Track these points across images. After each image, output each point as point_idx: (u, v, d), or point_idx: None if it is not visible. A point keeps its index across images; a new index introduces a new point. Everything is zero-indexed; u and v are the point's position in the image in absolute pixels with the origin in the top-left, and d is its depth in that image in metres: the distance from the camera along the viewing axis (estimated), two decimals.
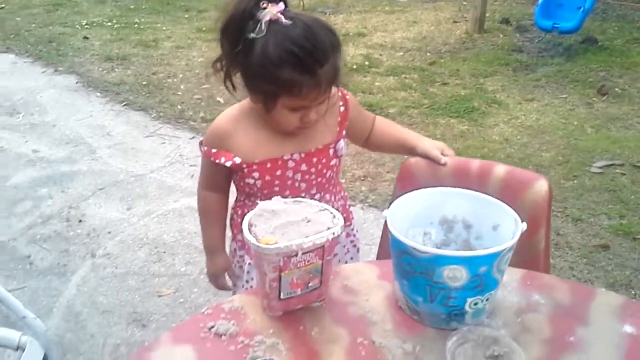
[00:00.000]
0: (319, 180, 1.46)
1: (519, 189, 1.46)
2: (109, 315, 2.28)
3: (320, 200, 1.44)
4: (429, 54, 5.26)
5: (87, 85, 4.55)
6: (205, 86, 4.53)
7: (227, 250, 1.61)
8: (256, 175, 1.40)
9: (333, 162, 1.46)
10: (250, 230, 1.12)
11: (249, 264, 1.53)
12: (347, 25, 6.12)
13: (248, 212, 1.29)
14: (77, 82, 4.62)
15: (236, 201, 1.54)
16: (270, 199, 1.33)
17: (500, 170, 1.52)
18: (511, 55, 5.19)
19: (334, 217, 1.16)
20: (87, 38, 5.53)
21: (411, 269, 1.06)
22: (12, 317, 2.21)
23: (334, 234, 1.11)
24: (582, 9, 4.92)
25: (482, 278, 1.03)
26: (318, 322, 1.12)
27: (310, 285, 1.13)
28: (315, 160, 1.42)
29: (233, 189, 1.51)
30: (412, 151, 1.57)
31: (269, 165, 1.39)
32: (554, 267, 2.62)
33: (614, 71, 4.72)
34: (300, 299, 1.14)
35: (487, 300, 1.08)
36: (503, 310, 1.14)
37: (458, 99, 4.27)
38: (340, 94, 1.47)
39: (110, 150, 3.56)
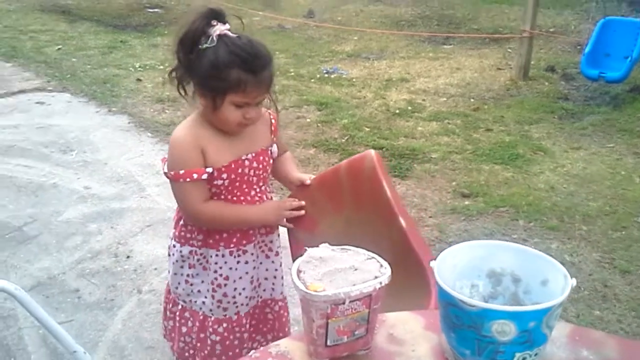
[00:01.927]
0: (264, 175, 1.76)
1: (356, 168, 1.71)
2: (153, 352, 2.32)
3: (264, 190, 1.78)
4: (472, 100, 5.28)
5: (139, 125, 4.71)
6: None
7: (175, 257, 1.77)
8: (224, 176, 1.65)
9: (271, 161, 1.79)
10: (298, 276, 1.15)
11: (215, 255, 1.72)
12: (390, 70, 6.20)
13: None
14: (129, 122, 4.79)
15: None
16: (232, 195, 1.69)
17: (345, 162, 1.78)
18: (556, 102, 5.16)
19: (381, 265, 1.17)
20: (140, 80, 5.75)
21: (459, 321, 1.06)
22: (60, 348, 2.28)
23: (381, 282, 1.12)
24: (630, 58, 4.90)
25: (531, 333, 1.03)
26: None
27: (356, 332, 1.14)
28: (261, 158, 1.73)
29: (170, 196, 1.70)
30: (290, 178, 1.87)
31: (233, 166, 1.66)
32: (601, 319, 2.56)
33: None
34: (346, 347, 1.15)
35: (535, 355, 1.07)
36: None
37: (502, 145, 4.25)
38: (271, 115, 1.80)
39: (159, 188, 3.66)
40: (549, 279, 1.14)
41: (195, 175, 1.61)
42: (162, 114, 4.97)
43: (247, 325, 1.83)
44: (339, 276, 1.14)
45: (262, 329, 1.90)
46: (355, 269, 1.16)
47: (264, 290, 1.86)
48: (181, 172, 1.60)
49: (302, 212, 1.81)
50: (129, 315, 2.56)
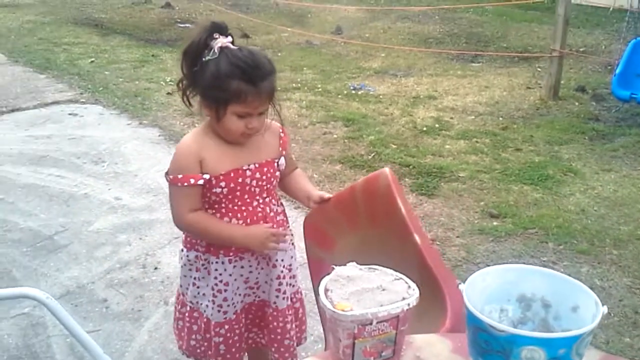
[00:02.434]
0: (268, 186, 1.77)
1: (372, 186, 1.75)
2: None
3: (268, 202, 1.78)
4: (501, 119, 5.25)
5: (169, 138, 4.78)
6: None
7: (183, 260, 1.81)
8: (223, 184, 1.68)
9: (277, 173, 1.80)
10: (326, 294, 1.15)
11: (216, 262, 1.74)
12: (418, 87, 6.20)
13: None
14: (159, 135, 4.87)
15: None
16: (233, 204, 1.71)
17: (360, 181, 1.82)
18: (587, 123, 5.10)
19: (409, 287, 1.18)
20: (170, 94, 5.84)
21: (487, 346, 1.05)
22: (87, 357, 2.31)
23: (409, 304, 1.12)
24: None
25: None
26: None
27: (383, 354, 1.14)
28: (265, 169, 1.75)
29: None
30: (309, 196, 1.86)
31: (232, 175, 1.69)
32: (631, 346, 2.50)
33: None
34: None
35: None
36: None
37: (532, 166, 4.21)
38: (281, 128, 1.82)
39: None
40: (580, 305, 1.13)
41: (192, 181, 1.65)
42: (192, 127, 5.03)
43: (244, 320, 1.87)
44: (366, 296, 1.15)
45: (259, 323, 1.92)
46: (383, 289, 1.16)
47: (263, 292, 1.87)
48: (180, 176, 1.65)
49: (287, 248, 1.80)
50: (156, 327, 2.59)
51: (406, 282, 1.18)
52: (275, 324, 1.90)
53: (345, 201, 1.82)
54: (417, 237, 1.61)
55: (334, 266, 1.23)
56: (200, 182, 1.66)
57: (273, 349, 1.90)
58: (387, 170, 1.73)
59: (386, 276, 1.20)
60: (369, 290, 1.16)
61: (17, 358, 2.41)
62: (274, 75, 1.66)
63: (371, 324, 1.10)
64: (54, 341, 2.50)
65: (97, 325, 2.60)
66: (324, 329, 1.92)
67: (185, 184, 1.66)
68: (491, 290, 1.18)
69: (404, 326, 1.13)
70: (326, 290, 1.16)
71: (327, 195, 1.84)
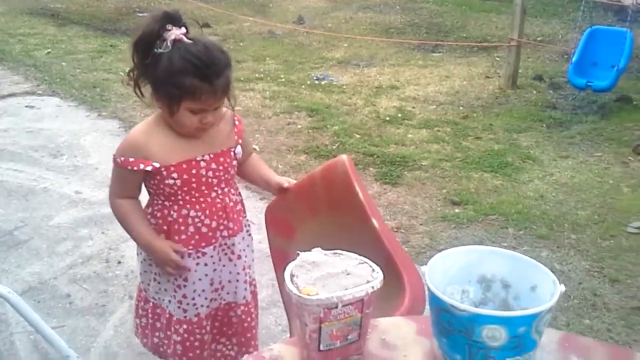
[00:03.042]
0: (226, 176, 1.74)
1: (330, 173, 1.77)
2: (145, 357, 2.30)
3: (227, 192, 1.76)
4: (461, 108, 5.33)
5: (129, 130, 4.67)
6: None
7: (143, 255, 1.80)
8: (175, 175, 1.65)
9: (234, 162, 1.77)
10: (291, 280, 1.16)
11: (182, 256, 1.70)
12: (380, 77, 6.24)
13: (168, 212, 1.68)
14: (119, 127, 4.79)
15: (150, 206, 1.75)
16: (190, 196, 1.68)
17: (319, 169, 1.83)
18: (544, 111, 5.22)
19: (373, 270, 1.19)
20: (130, 84, 5.73)
21: (450, 326, 1.08)
22: (51, 353, 2.28)
23: (373, 287, 1.14)
24: (616, 67, 4.97)
25: (521, 339, 1.05)
26: None
27: (349, 337, 1.16)
28: (221, 159, 1.72)
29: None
30: (268, 183, 1.88)
31: (184, 166, 1.65)
32: (591, 328, 2.58)
33: None
34: (338, 351, 1.16)
35: None
36: None
37: (491, 154, 4.30)
38: (235, 116, 1.79)
39: None
40: (538, 285, 1.17)
41: (142, 166, 1.62)
42: None
43: (208, 328, 1.84)
44: (331, 280, 1.16)
45: (227, 332, 1.91)
46: (348, 274, 1.18)
47: (227, 293, 1.85)
48: (131, 159, 1.62)
49: (178, 274, 1.76)
50: (121, 321, 2.56)
51: (370, 266, 1.20)
52: (244, 325, 1.90)
53: (305, 189, 1.83)
54: (375, 222, 1.65)
55: (299, 252, 1.24)
56: (149, 168, 1.62)
57: (242, 349, 1.91)
58: (344, 157, 1.76)
59: (351, 260, 1.21)
60: (334, 274, 1.17)
61: None
62: (230, 69, 1.61)
63: (337, 307, 1.11)
64: (17, 338, 2.45)
65: (61, 321, 2.55)
66: (288, 318, 1.94)
67: (135, 168, 1.62)
68: (453, 272, 1.21)
69: (368, 309, 1.15)
70: (292, 275, 1.17)
71: (285, 183, 1.84)
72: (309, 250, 1.23)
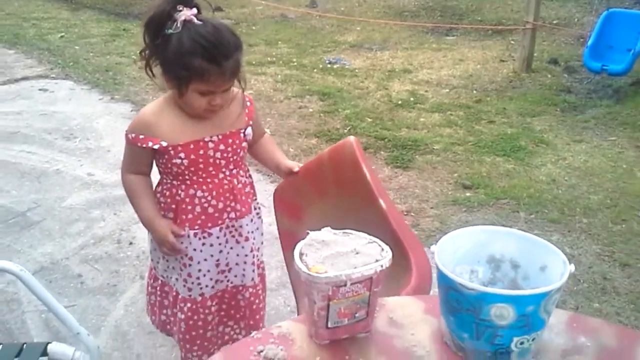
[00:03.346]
0: (234, 158, 1.74)
1: (338, 155, 1.77)
2: (155, 337, 2.34)
3: (235, 174, 1.76)
4: (474, 92, 5.28)
5: None
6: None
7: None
8: (182, 155, 1.65)
9: (244, 144, 1.76)
10: (301, 258, 1.17)
11: (188, 235, 1.73)
12: (393, 61, 6.20)
13: (176, 191, 1.70)
14: (131, 110, 4.80)
15: (160, 184, 1.76)
16: (197, 176, 1.69)
17: (327, 151, 1.82)
18: (559, 95, 5.17)
19: (382, 249, 1.19)
20: (142, 65, 5.74)
21: (458, 305, 1.07)
22: (62, 332, 2.31)
23: (382, 266, 1.14)
24: (632, 51, 4.90)
25: (529, 318, 1.04)
26: (363, 352, 1.15)
27: (357, 315, 1.16)
28: (230, 141, 1.71)
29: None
30: (278, 166, 1.89)
31: (192, 146, 1.65)
32: (600, 311, 2.57)
33: None
34: (346, 329, 1.17)
35: (533, 340, 1.09)
36: (549, 351, 1.14)
37: (504, 137, 4.26)
38: (247, 97, 1.78)
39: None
40: (548, 265, 1.16)
41: (150, 144, 1.63)
42: None
43: (213, 309, 1.85)
44: (340, 259, 1.16)
45: (235, 315, 1.91)
46: (357, 253, 1.18)
47: (235, 276, 1.86)
48: (141, 136, 1.64)
49: (173, 255, 1.77)
50: (132, 301, 2.59)
51: (379, 245, 1.19)
52: (253, 307, 1.91)
53: (313, 171, 1.83)
54: (382, 202, 1.64)
55: (308, 231, 1.24)
56: (156, 146, 1.63)
57: (251, 332, 1.92)
58: (352, 138, 1.75)
59: (360, 240, 1.21)
60: (343, 253, 1.17)
61: None
62: (240, 51, 1.59)
63: (345, 285, 1.11)
64: (28, 317, 2.48)
65: (72, 301, 2.58)
66: (296, 298, 1.94)
67: (144, 145, 1.64)
68: (462, 252, 1.21)
69: (377, 288, 1.15)
70: (301, 254, 1.17)
71: (295, 167, 1.84)
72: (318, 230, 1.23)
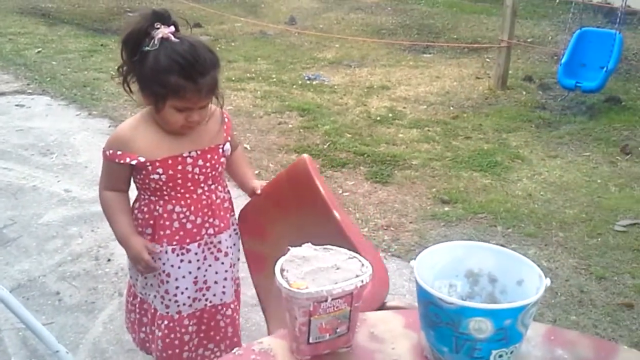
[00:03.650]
0: (213, 173, 1.76)
1: (294, 173, 1.82)
2: (134, 354, 2.31)
3: (213, 189, 1.78)
4: (451, 108, 5.35)
5: None
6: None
7: None
8: (160, 170, 1.66)
9: (222, 160, 1.78)
10: (282, 274, 1.17)
11: (160, 250, 1.73)
12: (371, 77, 6.26)
13: (154, 207, 1.70)
14: (109, 126, 4.77)
15: (138, 200, 1.77)
16: (175, 192, 1.70)
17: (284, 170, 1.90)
18: (534, 111, 5.26)
19: (362, 264, 1.21)
20: (113, 79, 5.72)
21: (437, 319, 1.09)
22: (40, 350, 2.27)
23: (362, 281, 1.15)
24: (605, 68, 5.00)
25: (507, 331, 1.07)
26: None
27: (338, 330, 1.17)
28: (209, 156, 1.73)
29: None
30: (244, 184, 1.92)
31: (170, 162, 1.67)
32: (577, 324, 2.61)
33: (637, 130, 4.77)
34: (328, 344, 1.18)
35: (511, 352, 1.11)
36: None
37: (481, 153, 4.32)
38: (224, 114, 1.81)
39: None
40: (525, 279, 1.18)
41: (128, 159, 1.64)
42: None
43: (190, 329, 1.84)
44: (321, 275, 1.17)
45: (215, 337, 1.90)
46: (338, 268, 1.19)
47: (214, 295, 1.85)
48: (119, 152, 1.64)
49: (147, 272, 1.78)
50: (110, 318, 2.56)
51: (360, 261, 1.21)
52: (235, 324, 1.91)
53: (274, 191, 1.89)
54: (336, 214, 1.69)
55: (289, 247, 1.25)
56: (134, 162, 1.64)
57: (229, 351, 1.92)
58: (305, 156, 1.82)
59: (340, 255, 1.22)
60: (323, 269, 1.18)
61: None
62: (217, 69, 1.62)
63: (326, 301, 1.12)
64: (5, 335, 2.44)
65: (49, 318, 2.55)
66: (265, 317, 1.95)
67: (121, 161, 1.64)
68: (440, 267, 1.23)
69: (357, 303, 1.16)
70: (282, 270, 1.18)
71: (258, 190, 1.87)
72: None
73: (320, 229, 1.68)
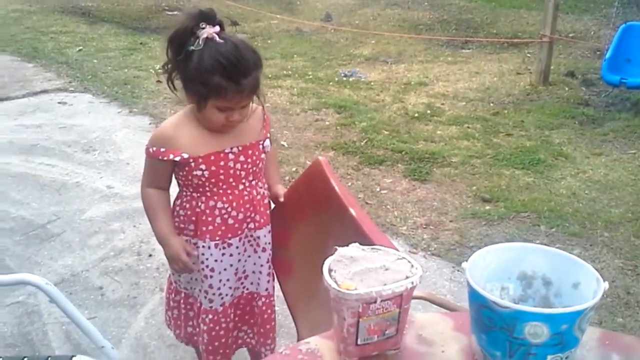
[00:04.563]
0: (254, 169, 1.77)
1: (310, 176, 1.86)
2: (175, 349, 2.34)
3: (254, 185, 1.79)
4: (491, 104, 5.26)
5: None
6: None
7: None
8: (203, 167, 1.67)
9: (263, 155, 1.80)
10: (329, 274, 1.16)
11: (202, 246, 1.75)
12: (409, 74, 6.20)
13: (196, 203, 1.71)
14: (149, 123, 4.84)
15: (180, 197, 1.78)
16: (218, 187, 1.71)
17: (301, 175, 1.94)
18: (577, 108, 5.13)
19: (412, 265, 1.18)
20: (160, 81, 5.78)
21: (491, 323, 1.06)
22: (83, 344, 2.31)
23: (412, 283, 1.13)
24: None
25: (563, 336, 1.03)
26: None
27: (386, 332, 1.15)
28: (250, 152, 1.74)
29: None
30: (269, 188, 1.91)
31: (212, 158, 1.67)
32: (624, 326, 2.54)
33: None
34: (376, 346, 1.16)
35: (566, 357, 1.07)
36: None
37: (523, 150, 4.24)
38: (263, 110, 1.81)
39: None
40: (581, 282, 1.14)
41: (171, 156, 1.65)
42: None
43: (232, 315, 1.88)
44: (370, 275, 1.15)
45: (249, 320, 1.94)
46: (386, 269, 1.17)
47: (251, 283, 1.89)
48: (162, 149, 1.65)
49: (182, 272, 1.81)
50: (152, 313, 2.59)
51: (409, 262, 1.18)
52: (264, 316, 1.92)
53: (293, 195, 1.91)
54: (352, 211, 1.67)
55: (336, 247, 1.24)
56: (177, 158, 1.65)
57: (261, 340, 1.93)
58: (320, 158, 1.83)
59: (389, 256, 1.20)
60: (372, 269, 1.16)
61: (13, 346, 2.40)
62: (259, 69, 1.62)
63: (375, 302, 1.10)
64: (49, 329, 2.49)
65: (92, 313, 2.59)
66: (295, 321, 1.94)
67: (165, 158, 1.66)
68: (492, 269, 1.19)
69: (407, 304, 1.14)
70: (330, 270, 1.16)
71: (281, 197, 1.89)
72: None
73: (338, 228, 1.70)
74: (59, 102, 5.36)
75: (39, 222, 3.34)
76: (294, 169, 3.91)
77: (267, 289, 1.91)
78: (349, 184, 3.77)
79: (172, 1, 10.03)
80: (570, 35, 7.17)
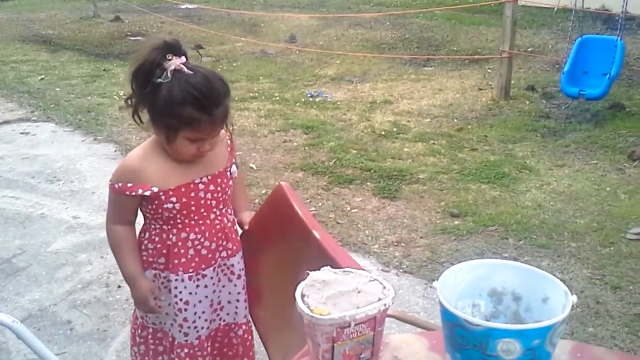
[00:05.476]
0: (223, 197, 1.75)
1: (273, 202, 1.89)
2: None
3: (224, 213, 1.78)
4: (455, 120, 5.35)
5: (125, 153, 4.69)
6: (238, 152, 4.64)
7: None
8: (174, 199, 1.64)
9: (230, 182, 1.77)
10: (302, 300, 1.15)
11: (175, 279, 1.71)
12: (374, 93, 6.27)
13: (167, 236, 1.67)
14: (114, 150, 4.78)
15: (147, 230, 1.73)
16: (189, 219, 1.68)
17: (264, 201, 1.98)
18: (538, 121, 5.25)
19: (384, 287, 1.18)
20: (123, 109, 5.74)
21: (464, 341, 1.07)
22: None
23: (385, 305, 1.13)
24: (608, 75, 5.00)
25: (535, 351, 1.04)
26: None
27: (362, 356, 1.15)
28: (219, 180, 1.72)
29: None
30: (236, 214, 1.90)
31: (183, 190, 1.65)
32: (595, 336, 2.58)
33: None
34: None
35: None
36: None
37: (487, 165, 4.31)
38: (227, 135, 1.78)
39: None
40: (550, 296, 1.16)
41: (140, 191, 1.61)
42: None
43: (209, 349, 1.84)
44: (342, 299, 1.15)
45: (227, 353, 1.90)
46: (359, 292, 1.17)
47: (227, 314, 1.85)
48: (129, 185, 1.61)
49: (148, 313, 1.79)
50: (123, 346, 2.53)
51: (381, 283, 1.19)
52: (247, 344, 1.89)
53: (258, 222, 1.91)
54: (316, 233, 1.68)
55: (308, 272, 1.23)
56: (147, 193, 1.61)
57: None
58: (282, 183, 1.87)
59: (361, 278, 1.20)
60: (345, 293, 1.16)
61: None
62: (228, 98, 1.61)
63: (349, 326, 1.10)
64: None
65: (62, 348, 2.53)
66: (267, 351, 1.93)
67: (133, 193, 1.61)
68: (463, 286, 1.20)
69: (381, 327, 1.14)
70: (302, 295, 1.16)
71: (246, 225, 1.89)
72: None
73: (304, 251, 1.70)
74: (22, 133, 5.27)
75: (4, 256, 3.26)
76: (263, 192, 3.90)
77: (245, 316, 1.88)
78: (319, 204, 3.77)
79: (134, 27, 9.98)
80: (529, 49, 7.35)
